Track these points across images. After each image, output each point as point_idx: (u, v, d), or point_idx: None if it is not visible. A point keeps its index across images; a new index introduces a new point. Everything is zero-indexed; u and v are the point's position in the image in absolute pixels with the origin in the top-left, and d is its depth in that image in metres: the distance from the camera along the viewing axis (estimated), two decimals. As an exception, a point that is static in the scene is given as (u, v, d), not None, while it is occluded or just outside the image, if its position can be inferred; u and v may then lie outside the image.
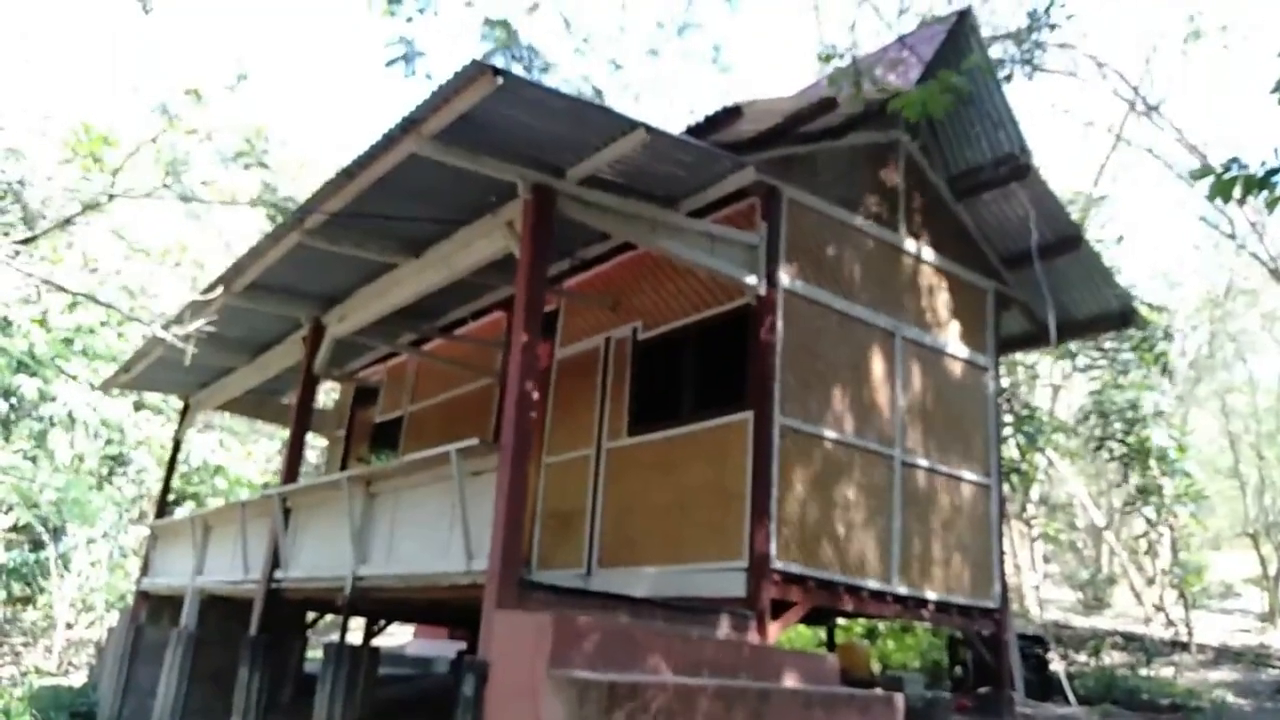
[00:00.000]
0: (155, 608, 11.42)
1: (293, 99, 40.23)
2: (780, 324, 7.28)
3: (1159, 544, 14.73)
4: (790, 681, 5.64)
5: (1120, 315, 10.10)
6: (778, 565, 6.80)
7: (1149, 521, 13.42)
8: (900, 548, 7.83)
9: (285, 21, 42.82)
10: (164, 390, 13.81)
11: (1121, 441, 12.73)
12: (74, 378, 14.88)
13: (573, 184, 6.28)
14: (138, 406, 17.15)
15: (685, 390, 7.87)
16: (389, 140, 5.85)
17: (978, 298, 9.36)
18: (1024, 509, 14.38)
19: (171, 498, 13.62)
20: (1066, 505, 22.18)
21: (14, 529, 15.77)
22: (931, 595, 8.04)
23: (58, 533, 15.81)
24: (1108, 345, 13.38)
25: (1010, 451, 12.75)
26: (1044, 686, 9.84)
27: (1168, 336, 13.46)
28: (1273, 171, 4.21)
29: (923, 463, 8.26)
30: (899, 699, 5.58)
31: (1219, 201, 4.44)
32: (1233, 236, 15.39)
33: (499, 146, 5.94)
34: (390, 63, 9.31)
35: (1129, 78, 16.00)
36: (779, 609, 6.81)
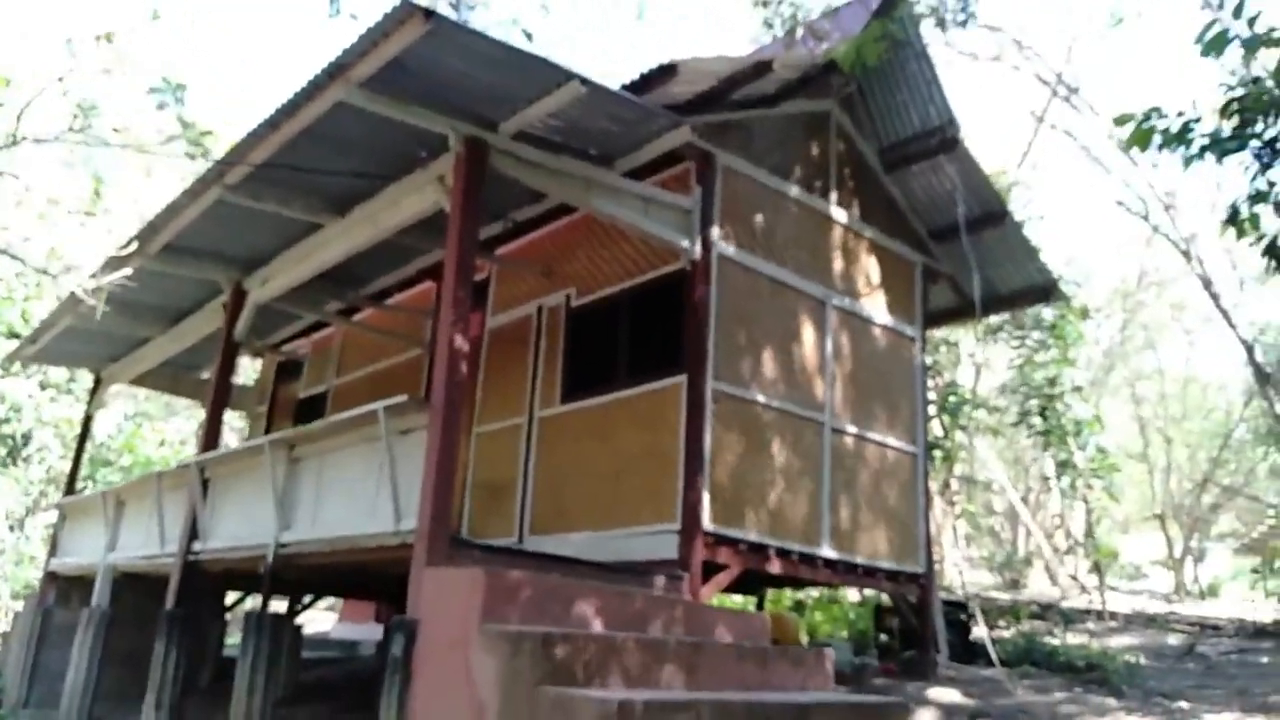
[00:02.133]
0: (64, 589, 10.97)
1: (212, 52, 38.62)
2: (714, 288, 7.28)
3: (1073, 516, 15.24)
4: (723, 636, 5.65)
5: (1043, 289, 10.41)
6: (710, 527, 6.80)
7: (1063, 494, 13.88)
8: (829, 512, 7.92)
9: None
10: (73, 364, 13.19)
11: (1040, 416, 13.15)
12: None
13: (506, 138, 6.15)
14: (43, 386, 16.37)
15: (619, 356, 7.81)
16: (315, 87, 5.65)
17: (906, 270, 9.52)
18: (947, 485, 14.71)
19: (81, 479, 13.04)
20: (986, 485, 22.81)
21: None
22: (860, 560, 8.15)
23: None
24: (1027, 324, 13.79)
25: (934, 430, 13.04)
26: (967, 650, 10.11)
27: (1085, 315, 13.90)
28: (1189, 124, 4.34)
29: (851, 429, 8.36)
30: (830, 652, 5.64)
31: (1135, 152, 4.56)
32: (1146, 218, 15.99)
33: (430, 95, 5.79)
34: None
35: (1050, 61, 16.45)
36: (711, 571, 6.82)
